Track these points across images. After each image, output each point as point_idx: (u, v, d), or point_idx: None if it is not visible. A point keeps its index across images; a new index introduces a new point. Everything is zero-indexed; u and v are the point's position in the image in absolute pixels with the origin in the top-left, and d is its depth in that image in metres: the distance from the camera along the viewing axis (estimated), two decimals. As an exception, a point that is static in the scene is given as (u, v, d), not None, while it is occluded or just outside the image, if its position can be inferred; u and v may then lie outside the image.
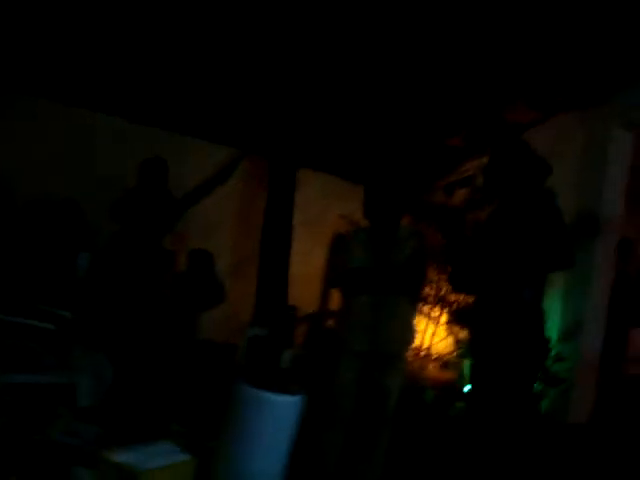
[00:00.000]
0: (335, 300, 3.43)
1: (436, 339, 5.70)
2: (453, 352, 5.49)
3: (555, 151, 4.69)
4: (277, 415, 2.64)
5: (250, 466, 2.63)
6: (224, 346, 5.14)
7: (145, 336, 4.28)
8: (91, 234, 4.86)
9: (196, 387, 4.02)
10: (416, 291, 3.55)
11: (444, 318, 5.60)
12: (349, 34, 4.46)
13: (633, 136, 4.95)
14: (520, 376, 2.94)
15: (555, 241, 2.81)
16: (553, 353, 4.61)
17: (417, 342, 5.28)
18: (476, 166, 5.36)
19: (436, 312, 5.61)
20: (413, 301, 3.53)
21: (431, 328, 5.70)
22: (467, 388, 4.55)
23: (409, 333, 3.47)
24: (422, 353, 5.57)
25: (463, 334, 5.21)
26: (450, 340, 5.63)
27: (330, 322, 5.69)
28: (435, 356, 5.60)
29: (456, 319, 5.42)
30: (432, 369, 5.58)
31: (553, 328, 4.75)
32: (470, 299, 3.89)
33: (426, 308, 5.52)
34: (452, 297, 5.39)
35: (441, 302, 5.50)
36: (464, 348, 5.09)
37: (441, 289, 5.42)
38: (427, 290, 5.29)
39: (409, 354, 4.13)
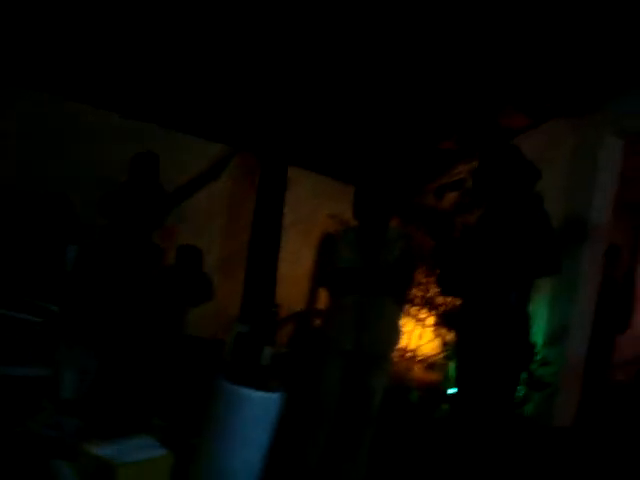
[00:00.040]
0: (323, 299, 3.44)
1: (423, 341, 5.71)
2: (439, 354, 5.50)
3: (546, 156, 4.72)
4: (255, 411, 2.64)
5: (229, 462, 2.64)
6: (211, 342, 5.13)
7: (130, 330, 4.27)
8: (81, 228, 4.84)
9: (180, 382, 4.02)
10: (403, 292, 3.56)
11: (431, 320, 5.61)
12: (342, 34, 4.46)
13: (624, 144, 4.98)
14: (504, 379, 2.96)
15: (542, 246, 2.83)
16: (539, 357, 4.64)
17: (403, 343, 5.30)
18: (467, 170, 5.37)
19: (423, 314, 5.62)
20: (400, 302, 3.54)
21: (418, 330, 5.71)
22: (452, 390, 4.56)
23: (395, 334, 3.48)
24: (408, 354, 5.58)
25: (450, 336, 5.23)
26: (437, 342, 5.64)
27: (317, 321, 5.70)
28: (421, 358, 5.62)
29: (443, 321, 5.43)
30: (418, 370, 5.59)
31: (539, 333, 4.77)
32: (457, 302, 3.91)
33: (413, 310, 5.53)
34: (440, 299, 5.40)
35: (428, 304, 5.51)
36: (450, 350, 5.10)
37: (429, 291, 5.43)
38: (415, 292, 5.30)
39: (395, 355, 4.14)
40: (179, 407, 3.59)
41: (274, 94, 5.40)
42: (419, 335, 5.72)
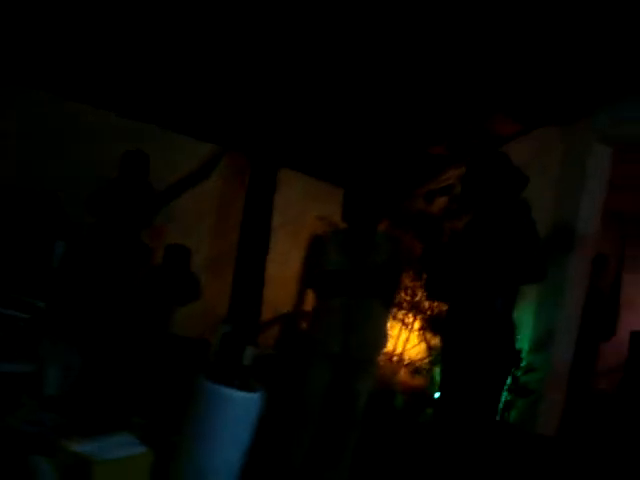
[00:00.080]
0: (310, 301, 3.46)
1: (409, 345, 5.71)
2: (425, 359, 5.50)
3: (536, 163, 4.75)
4: (235, 411, 2.64)
5: (208, 460, 2.64)
6: (197, 341, 5.12)
7: (114, 328, 4.25)
8: (70, 225, 4.82)
9: (163, 381, 4.01)
10: (390, 296, 3.56)
11: (417, 324, 5.62)
12: (334, 37, 4.46)
13: (612, 151, 4.99)
14: (488, 385, 2.97)
15: (527, 253, 2.84)
16: (524, 364, 4.66)
17: (390, 347, 5.29)
18: (457, 175, 5.39)
19: (410, 318, 5.62)
20: (387, 306, 3.54)
21: (404, 334, 5.72)
22: (437, 395, 4.58)
23: (382, 337, 3.48)
24: (394, 358, 5.58)
25: (435, 341, 5.24)
26: (422, 347, 5.64)
27: (304, 323, 5.68)
28: (407, 362, 5.62)
29: (429, 326, 5.44)
30: (403, 375, 5.60)
31: (525, 339, 4.79)
32: (444, 307, 3.92)
33: (400, 314, 5.53)
34: (426, 304, 5.41)
35: (415, 308, 5.51)
36: (436, 355, 5.11)
37: (416, 295, 5.44)
38: (402, 296, 5.31)
39: (381, 358, 4.14)
40: (161, 406, 3.58)
41: (266, 96, 5.40)
42: (405, 339, 5.72)
